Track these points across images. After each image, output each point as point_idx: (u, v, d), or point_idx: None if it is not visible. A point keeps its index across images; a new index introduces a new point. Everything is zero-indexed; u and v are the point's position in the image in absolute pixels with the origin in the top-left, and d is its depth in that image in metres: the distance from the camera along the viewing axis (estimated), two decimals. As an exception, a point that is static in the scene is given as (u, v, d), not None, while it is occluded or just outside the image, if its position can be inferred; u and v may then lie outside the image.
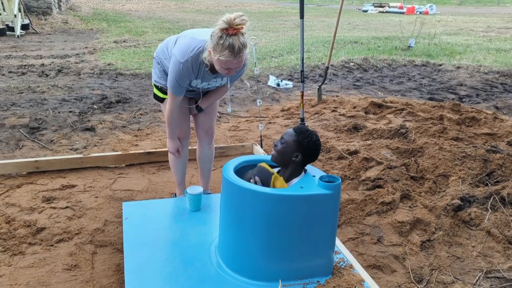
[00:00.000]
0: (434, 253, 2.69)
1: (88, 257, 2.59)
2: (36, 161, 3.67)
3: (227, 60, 2.32)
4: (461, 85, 7.47)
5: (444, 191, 3.31)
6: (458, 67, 8.76)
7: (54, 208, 3.13)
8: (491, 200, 3.08)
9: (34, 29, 12.29)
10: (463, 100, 6.51)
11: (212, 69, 2.55)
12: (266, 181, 2.26)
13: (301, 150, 2.23)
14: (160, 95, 2.87)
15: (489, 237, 2.81)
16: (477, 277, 2.48)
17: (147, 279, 2.21)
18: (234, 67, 2.39)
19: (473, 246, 2.75)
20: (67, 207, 3.15)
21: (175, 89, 2.61)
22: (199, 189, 2.83)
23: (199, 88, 2.73)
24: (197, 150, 3.16)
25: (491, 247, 2.74)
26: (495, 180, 3.39)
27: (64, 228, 2.87)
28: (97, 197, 3.33)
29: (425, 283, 2.44)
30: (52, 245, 2.69)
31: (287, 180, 2.28)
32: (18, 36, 11.29)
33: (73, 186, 3.48)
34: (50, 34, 12.24)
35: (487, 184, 3.36)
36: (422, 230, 2.90)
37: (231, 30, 2.26)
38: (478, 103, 6.33)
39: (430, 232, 2.86)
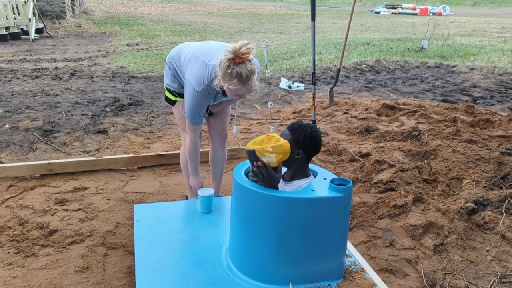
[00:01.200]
0: (448, 257, 2.65)
1: (99, 259, 2.61)
2: (49, 163, 3.71)
3: (236, 89, 2.36)
4: (475, 86, 7.38)
5: (457, 194, 3.26)
6: (472, 69, 8.65)
7: (67, 210, 3.15)
8: (505, 203, 3.03)
9: (48, 33, 12.45)
10: (477, 102, 6.42)
11: (224, 93, 2.58)
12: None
13: (301, 146, 2.21)
14: (172, 97, 2.89)
15: (503, 241, 2.76)
16: (491, 282, 2.44)
17: (158, 281, 2.22)
18: (244, 93, 2.44)
19: (487, 250, 2.71)
20: (79, 209, 3.17)
21: (195, 118, 2.65)
22: (210, 191, 2.83)
23: (213, 104, 2.79)
24: (210, 152, 3.17)
25: (505, 251, 2.69)
26: (510, 183, 3.33)
27: (76, 230, 2.89)
28: (109, 199, 3.35)
29: (438, 287, 2.40)
30: (64, 247, 2.71)
31: (291, 179, 2.27)
32: (32, 40, 11.46)
33: (86, 188, 3.51)
34: (63, 37, 12.39)
35: (501, 187, 3.30)
36: (435, 233, 2.86)
37: (238, 59, 2.29)
38: (493, 105, 6.24)
39: (443, 235, 2.82)
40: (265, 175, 2.09)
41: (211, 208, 2.87)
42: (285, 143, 2.14)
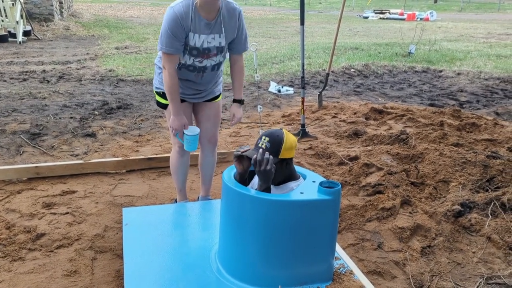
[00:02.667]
0: (435, 259, 2.68)
1: (88, 263, 2.59)
2: (36, 166, 3.68)
3: None
4: (461, 91, 7.48)
5: (444, 197, 3.31)
6: (459, 73, 8.77)
7: (54, 214, 3.13)
8: (491, 206, 3.08)
9: (36, 36, 12.35)
10: (464, 106, 6.51)
11: (205, 12, 2.54)
12: (277, 142, 2.21)
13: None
14: (163, 101, 2.87)
15: (489, 243, 2.80)
16: (477, 283, 2.47)
17: (147, 285, 2.21)
18: None
19: (474, 252, 2.74)
20: (67, 213, 3.15)
21: (169, 42, 2.51)
22: (196, 129, 2.81)
23: (199, 48, 2.62)
24: (200, 157, 3.17)
25: (491, 253, 2.73)
26: (496, 186, 3.39)
27: (64, 234, 2.87)
28: (97, 203, 3.33)
29: (426, 289, 2.43)
30: (52, 251, 2.69)
31: (280, 183, 2.31)
32: (20, 43, 11.35)
33: (74, 192, 3.48)
34: (51, 40, 12.30)
35: (487, 190, 3.35)
36: (422, 236, 2.89)
37: None
38: (479, 109, 6.33)
39: (430, 238, 2.86)
40: (267, 166, 2.09)
41: (196, 146, 2.84)
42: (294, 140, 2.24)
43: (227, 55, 2.84)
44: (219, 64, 2.80)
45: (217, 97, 3.00)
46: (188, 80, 2.79)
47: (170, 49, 2.55)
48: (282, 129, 2.30)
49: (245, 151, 2.25)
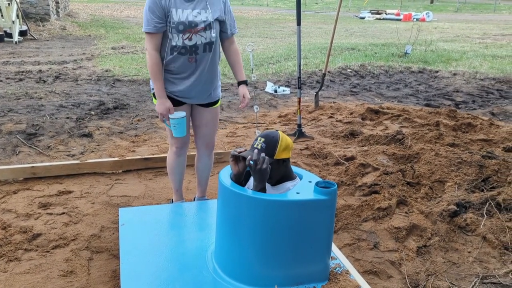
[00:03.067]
0: (430, 259, 2.70)
1: (84, 263, 2.59)
2: (32, 167, 3.67)
3: None
4: (457, 91, 7.51)
5: (440, 196, 3.32)
6: (455, 74, 8.81)
7: (51, 214, 3.12)
8: (486, 205, 3.10)
9: (32, 36, 12.31)
10: (459, 106, 6.54)
11: None
12: (272, 143, 2.23)
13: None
14: (155, 102, 2.87)
15: (485, 242, 2.82)
16: (473, 283, 2.49)
17: (143, 285, 2.21)
18: None
19: (469, 252, 2.76)
20: (63, 213, 3.14)
21: (148, 20, 2.56)
22: (181, 113, 2.75)
23: (184, 22, 2.59)
24: (196, 159, 3.17)
25: (487, 252, 2.74)
26: (491, 186, 3.41)
27: (60, 234, 2.87)
28: (93, 203, 3.33)
29: (421, 288, 2.44)
30: (48, 251, 2.69)
31: (277, 182, 2.32)
32: (16, 43, 11.31)
33: (70, 192, 3.48)
34: (48, 40, 12.26)
35: (482, 190, 3.37)
36: (418, 235, 2.91)
37: None
38: (474, 109, 6.36)
39: (426, 237, 2.87)
40: (262, 165, 2.11)
41: (185, 131, 2.80)
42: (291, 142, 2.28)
43: (218, 40, 2.77)
44: (210, 44, 2.69)
45: (216, 102, 2.96)
46: (184, 73, 2.73)
47: (149, 27, 2.57)
48: (277, 130, 2.31)
49: (242, 151, 2.26)
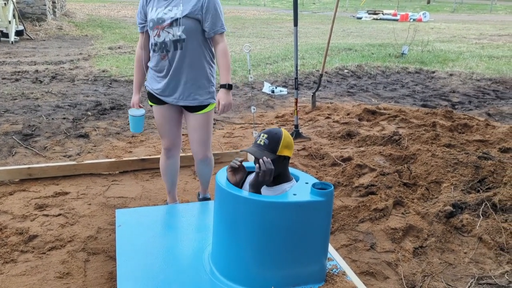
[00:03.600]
0: (427, 260, 2.71)
1: (80, 265, 2.58)
2: (29, 168, 3.66)
3: None
4: (453, 92, 7.53)
5: (436, 197, 3.33)
6: (451, 74, 8.84)
7: (47, 215, 3.11)
8: (482, 206, 3.11)
9: (29, 35, 12.27)
10: (456, 107, 6.56)
11: None
12: (275, 139, 2.24)
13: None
14: (150, 102, 2.93)
15: (480, 243, 2.83)
16: (469, 284, 2.50)
17: (140, 286, 2.21)
18: None
19: (465, 253, 2.77)
20: (59, 214, 3.14)
21: (138, 21, 2.82)
22: (141, 111, 2.94)
23: (154, 19, 2.64)
24: (195, 163, 3.14)
25: (483, 253, 2.75)
26: (487, 187, 3.42)
27: (56, 236, 2.86)
28: (90, 204, 3.32)
29: (418, 289, 2.45)
30: (44, 253, 2.68)
31: (274, 183, 2.32)
32: (12, 43, 11.27)
33: (66, 193, 3.47)
34: (44, 40, 12.23)
35: (478, 191, 3.38)
36: (414, 236, 2.91)
37: None
38: (471, 110, 6.38)
39: (422, 238, 2.88)
40: (267, 170, 2.12)
41: (139, 128, 2.98)
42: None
43: (193, 39, 2.71)
44: (179, 42, 2.66)
45: (203, 107, 2.83)
46: (162, 72, 2.76)
47: (138, 27, 2.83)
48: (280, 127, 2.32)
49: (242, 161, 2.28)
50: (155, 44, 2.70)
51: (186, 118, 2.91)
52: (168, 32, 2.64)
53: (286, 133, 2.28)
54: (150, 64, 2.83)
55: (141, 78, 2.94)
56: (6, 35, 11.50)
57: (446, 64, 10.01)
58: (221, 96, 2.75)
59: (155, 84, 2.81)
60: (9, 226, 2.94)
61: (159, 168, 3.93)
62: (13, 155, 4.17)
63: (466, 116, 5.58)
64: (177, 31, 2.63)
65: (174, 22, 2.62)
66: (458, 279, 2.55)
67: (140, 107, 2.99)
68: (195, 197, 3.48)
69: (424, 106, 6.57)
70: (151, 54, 2.79)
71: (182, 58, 2.70)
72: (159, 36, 2.66)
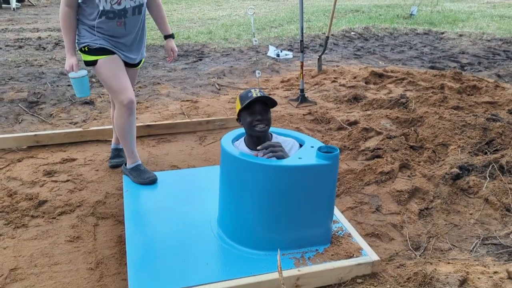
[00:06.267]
0: (432, 221, 2.72)
1: (90, 229, 2.63)
2: (35, 135, 3.68)
3: None
4: (463, 53, 7.38)
5: (443, 160, 3.32)
6: (461, 35, 8.63)
7: (55, 181, 3.15)
8: (489, 168, 3.09)
9: (30, 2, 12.09)
10: (465, 68, 6.44)
11: None
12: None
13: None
14: (90, 58, 2.76)
15: (486, 204, 2.83)
16: (474, 244, 2.51)
17: (148, 250, 2.25)
18: None
19: (471, 214, 2.78)
20: (68, 180, 3.17)
21: None
22: (83, 72, 2.73)
23: None
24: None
25: (488, 214, 2.76)
26: (494, 149, 3.39)
27: (65, 201, 2.90)
28: (97, 170, 3.35)
29: (422, 250, 2.47)
30: (54, 218, 2.73)
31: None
32: (14, 9, 11.13)
33: (74, 159, 3.50)
34: (46, 6, 12.05)
35: (486, 153, 3.36)
36: (420, 198, 2.92)
37: None
38: (480, 71, 6.27)
39: (428, 200, 2.89)
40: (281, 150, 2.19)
41: (86, 91, 2.76)
42: None
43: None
44: (140, 7, 2.70)
45: (139, 63, 3.02)
46: (115, 37, 2.73)
47: None
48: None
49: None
50: (112, 12, 2.62)
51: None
52: (131, 0, 2.64)
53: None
54: (97, 30, 2.68)
55: (74, 38, 2.72)
56: (7, 2, 11.34)
57: (456, 24, 9.77)
58: (172, 46, 3.05)
59: (104, 42, 2.71)
60: (19, 192, 2.98)
61: (164, 134, 3.96)
62: (19, 123, 4.19)
63: (475, 78, 5.49)
64: None
65: None
66: (463, 240, 2.57)
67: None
68: (200, 162, 3.49)
69: (432, 68, 6.46)
70: (98, 20, 2.63)
71: (138, 21, 2.76)
72: (119, 4, 2.61)
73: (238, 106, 2.32)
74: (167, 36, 3.02)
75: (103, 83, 2.84)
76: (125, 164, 3.12)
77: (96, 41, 2.71)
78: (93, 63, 2.77)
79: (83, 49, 2.76)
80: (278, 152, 2.18)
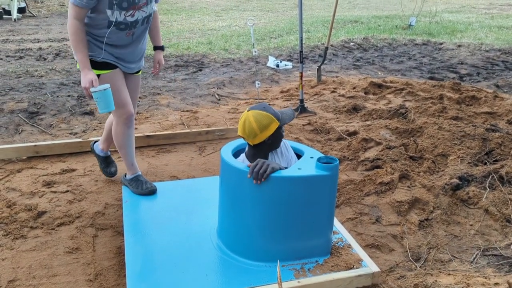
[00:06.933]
0: (432, 232, 2.71)
1: (89, 240, 2.62)
2: (35, 145, 3.68)
3: None
4: (462, 63, 7.41)
5: (442, 170, 3.32)
6: (459, 46, 8.68)
7: (55, 192, 3.15)
8: (489, 179, 3.09)
9: (31, 12, 12.17)
10: (464, 79, 6.47)
11: None
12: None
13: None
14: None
15: (486, 215, 2.82)
16: (474, 255, 2.51)
17: (147, 261, 2.24)
18: None
19: (471, 225, 2.77)
20: (67, 191, 3.16)
21: None
22: (105, 85, 2.56)
23: (130, 1, 2.55)
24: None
25: (488, 225, 2.75)
26: (494, 159, 3.39)
27: (65, 212, 2.89)
28: (97, 180, 3.34)
29: (423, 261, 2.46)
30: (53, 229, 2.72)
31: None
32: (15, 20, 11.19)
33: (73, 170, 3.49)
34: (47, 17, 12.12)
35: (485, 163, 3.36)
36: (420, 209, 2.92)
37: None
38: (479, 81, 6.29)
39: (428, 211, 2.88)
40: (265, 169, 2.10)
41: (112, 105, 2.57)
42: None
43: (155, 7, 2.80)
44: (149, 17, 2.73)
45: (140, 70, 3.03)
46: (121, 46, 2.73)
47: (81, 2, 2.46)
48: (248, 111, 2.33)
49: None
50: (124, 23, 2.61)
51: (126, 79, 2.91)
52: (143, 11, 2.66)
53: (250, 119, 2.27)
54: (105, 40, 2.65)
55: (87, 52, 2.60)
56: (8, 13, 11.41)
57: (455, 35, 9.83)
58: (160, 58, 3.06)
59: (106, 55, 2.71)
60: (18, 203, 2.97)
61: (164, 144, 3.96)
62: (19, 133, 4.19)
63: (474, 88, 5.51)
64: (151, 7, 2.71)
65: (149, 0, 2.66)
66: (464, 251, 2.56)
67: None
68: (200, 172, 3.49)
69: (431, 78, 6.48)
70: (107, 30, 2.60)
71: (145, 30, 2.81)
72: (133, 16, 2.62)
73: (273, 128, 2.27)
74: (158, 48, 3.02)
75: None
76: (125, 175, 3.12)
77: (100, 54, 2.70)
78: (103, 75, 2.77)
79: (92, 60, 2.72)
80: (268, 168, 2.09)
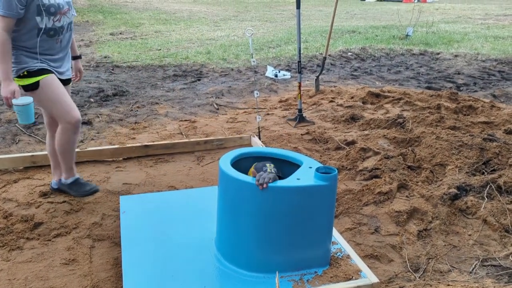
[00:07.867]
0: (431, 242, 2.70)
1: (86, 251, 2.60)
2: (32, 155, 3.67)
3: None
4: (458, 73, 7.45)
5: (441, 180, 3.31)
6: (456, 56, 8.73)
7: (51, 202, 3.13)
8: (487, 188, 3.09)
9: None
10: (461, 88, 6.50)
11: None
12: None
13: None
14: (30, 81, 2.70)
15: (485, 225, 2.82)
16: (473, 265, 2.49)
17: (145, 272, 2.23)
18: None
19: (470, 235, 2.76)
20: (64, 201, 3.14)
21: (11, 6, 2.47)
22: (28, 99, 2.61)
23: (54, 4, 2.62)
24: (51, 138, 3.08)
25: (487, 235, 2.75)
26: (492, 169, 3.40)
27: (61, 223, 2.87)
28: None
29: (422, 272, 2.45)
30: (50, 240, 2.70)
31: None
32: (13, 30, 11.23)
33: (71, 180, 3.47)
34: None
35: (483, 173, 3.36)
36: (419, 219, 2.91)
37: None
38: (476, 91, 6.32)
39: (427, 221, 2.87)
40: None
41: (31, 117, 2.64)
42: None
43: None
44: (71, 23, 2.84)
45: (70, 79, 3.06)
46: (52, 54, 2.79)
47: (11, 12, 2.49)
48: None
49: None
50: (53, 29, 2.69)
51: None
52: (67, 17, 2.76)
53: None
54: (38, 50, 2.69)
55: (11, 64, 2.61)
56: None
57: (451, 45, 9.89)
58: (80, 67, 3.20)
59: (40, 64, 2.73)
60: (14, 214, 2.95)
61: (162, 154, 3.95)
62: (16, 143, 4.18)
63: (471, 98, 5.52)
64: (72, 13, 2.81)
65: (70, 5, 2.77)
66: (463, 261, 2.55)
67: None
68: (198, 182, 3.48)
69: (428, 88, 6.51)
70: (37, 39, 2.64)
71: (70, 37, 2.88)
72: (60, 21, 2.70)
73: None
74: (77, 57, 3.14)
75: (48, 103, 2.78)
76: (60, 180, 3.14)
77: (35, 63, 2.71)
78: (34, 86, 2.72)
79: (21, 74, 2.69)
80: (265, 178, 2.11)
